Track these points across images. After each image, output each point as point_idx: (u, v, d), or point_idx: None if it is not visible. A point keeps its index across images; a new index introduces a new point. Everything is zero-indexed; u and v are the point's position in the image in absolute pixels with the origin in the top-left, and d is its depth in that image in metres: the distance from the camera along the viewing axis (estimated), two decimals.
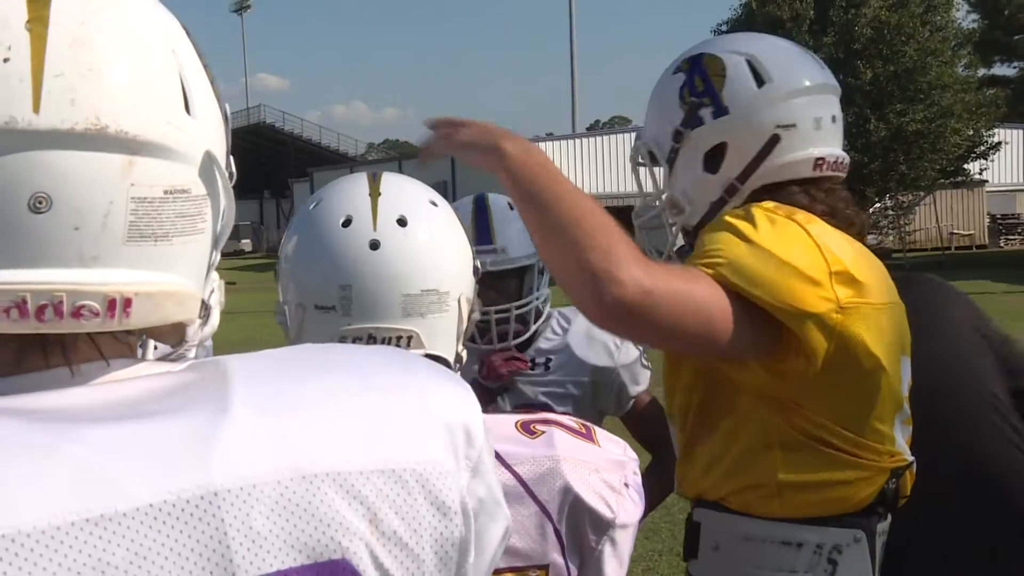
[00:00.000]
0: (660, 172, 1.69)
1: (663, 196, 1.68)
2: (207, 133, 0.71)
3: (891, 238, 31.17)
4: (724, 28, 30.70)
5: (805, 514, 1.49)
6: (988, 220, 34.34)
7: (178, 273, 0.69)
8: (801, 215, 1.45)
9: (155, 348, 0.85)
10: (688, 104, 1.60)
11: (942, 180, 29.72)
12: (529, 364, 2.27)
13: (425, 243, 1.20)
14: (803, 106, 1.57)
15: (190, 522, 0.61)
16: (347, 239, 1.18)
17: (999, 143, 30.87)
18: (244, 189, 70.00)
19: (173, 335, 0.75)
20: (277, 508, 0.63)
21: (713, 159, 1.60)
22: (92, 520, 0.58)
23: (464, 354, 1.29)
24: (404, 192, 1.24)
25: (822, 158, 1.58)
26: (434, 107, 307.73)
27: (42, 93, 0.62)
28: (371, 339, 1.17)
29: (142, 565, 0.58)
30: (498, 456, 1.14)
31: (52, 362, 0.67)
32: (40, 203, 0.62)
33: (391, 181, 1.25)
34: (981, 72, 34.95)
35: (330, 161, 57.30)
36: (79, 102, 0.63)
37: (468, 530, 0.72)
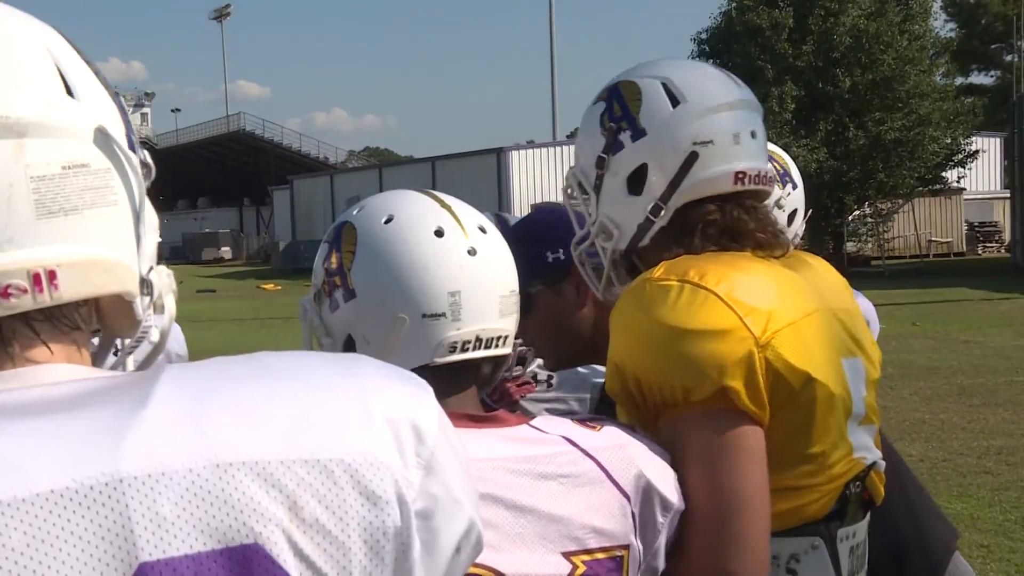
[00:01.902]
0: (591, 201, 1.70)
1: (594, 223, 1.69)
2: (96, 114, 0.76)
3: (870, 245, 31.42)
4: (704, 36, 30.90)
5: None
6: (966, 228, 34.66)
7: (97, 243, 0.74)
8: (694, 271, 1.42)
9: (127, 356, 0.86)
10: (607, 130, 1.63)
11: (920, 188, 30.01)
12: (535, 384, 2.26)
13: (502, 247, 1.28)
14: (719, 122, 1.59)
15: (92, 507, 0.62)
16: (446, 247, 1.23)
17: (976, 151, 31.21)
18: (224, 197, 69.40)
19: (124, 321, 0.80)
20: (187, 495, 0.65)
21: (636, 181, 1.61)
22: None
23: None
24: (464, 203, 1.30)
25: (743, 172, 1.58)
26: (415, 114, 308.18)
27: None
28: (478, 340, 1.23)
29: (39, 548, 0.60)
30: (577, 445, 1.20)
31: None
32: None
33: (445, 195, 1.30)
34: (959, 81, 35.37)
35: (310, 168, 57.23)
36: None
37: (407, 522, 0.72)
